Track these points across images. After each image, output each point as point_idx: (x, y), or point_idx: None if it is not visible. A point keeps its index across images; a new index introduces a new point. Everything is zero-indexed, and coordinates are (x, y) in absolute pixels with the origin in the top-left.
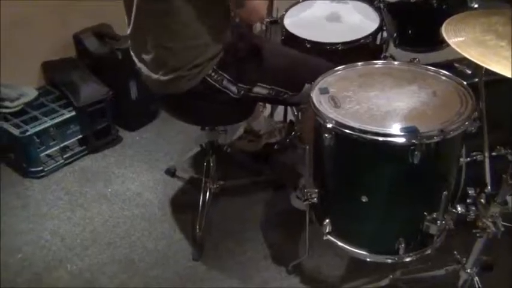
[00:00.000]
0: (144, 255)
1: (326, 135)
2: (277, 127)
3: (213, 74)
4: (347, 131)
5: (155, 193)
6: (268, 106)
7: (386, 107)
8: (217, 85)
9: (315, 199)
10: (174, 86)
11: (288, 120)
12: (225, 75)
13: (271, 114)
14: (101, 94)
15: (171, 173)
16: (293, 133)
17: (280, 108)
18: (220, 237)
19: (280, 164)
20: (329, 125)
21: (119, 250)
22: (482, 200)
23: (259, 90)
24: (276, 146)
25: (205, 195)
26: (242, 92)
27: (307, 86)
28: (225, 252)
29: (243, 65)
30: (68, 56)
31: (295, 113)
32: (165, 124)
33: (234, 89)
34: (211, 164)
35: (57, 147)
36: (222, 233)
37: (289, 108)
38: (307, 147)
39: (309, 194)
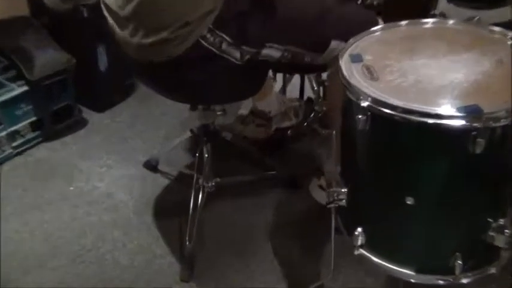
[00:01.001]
0: (117, 273)
1: (359, 116)
2: (292, 107)
3: (208, 35)
4: (387, 110)
5: (131, 193)
6: (279, 79)
7: (439, 79)
8: (214, 49)
9: (343, 201)
10: (158, 52)
11: (305, 97)
12: (224, 36)
13: (283, 90)
14: (61, 63)
15: (151, 166)
16: (313, 114)
17: (295, 82)
18: (217, 252)
19: (296, 156)
20: (363, 103)
21: (85, 267)
22: None
23: (270, 52)
24: (289, 132)
25: (197, 197)
26: (247, 56)
27: (334, 43)
28: (223, 271)
29: (246, 21)
30: (19, 14)
31: (316, 87)
32: (144, 103)
33: (236, 53)
34: (206, 156)
35: (4, 132)
36: (219, 245)
37: (307, 81)
38: (333, 132)
39: (335, 194)
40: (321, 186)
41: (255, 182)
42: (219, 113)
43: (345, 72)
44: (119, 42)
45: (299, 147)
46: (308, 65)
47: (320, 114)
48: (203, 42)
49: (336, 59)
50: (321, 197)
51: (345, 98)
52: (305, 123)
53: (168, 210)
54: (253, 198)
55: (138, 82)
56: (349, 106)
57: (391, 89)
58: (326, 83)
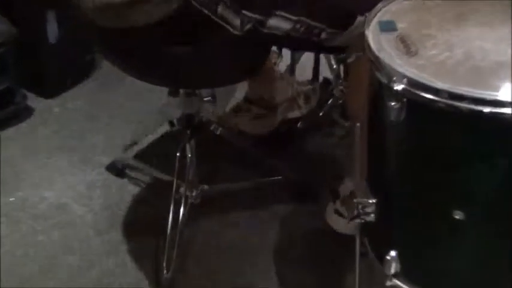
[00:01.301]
0: None
1: (391, 103)
2: (303, 91)
3: None
4: (428, 95)
5: (89, 205)
6: (287, 55)
7: (496, 54)
8: (207, 12)
9: (371, 215)
10: (133, 14)
11: (321, 78)
12: None
13: (291, 69)
14: None
15: (117, 170)
16: (330, 101)
17: (307, 58)
18: (204, 282)
19: (308, 156)
20: (397, 86)
21: None
22: None
23: (278, 23)
24: (299, 125)
25: (178, 210)
26: (248, 26)
27: (360, 19)
28: None
29: None
30: None
31: (335, 65)
32: (108, 86)
33: (235, 20)
34: (189, 156)
35: None
36: (207, 274)
37: (323, 57)
38: (357, 125)
39: (360, 206)
40: (338, 212)
41: (253, 190)
42: (206, 99)
43: (372, 45)
44: (77, 4)
45: (312, 144)
46: (322, 43)
47: (340, 101)
48: (193, 1)
49: (360, 37)
50: (340, 224)
51: (373, 79)
52: (320, 113)
53: (140, 227)
54: (251, 212)
55: (101, 58)
56: (379, 90)
57: (433, 67)
58: (348, 60)
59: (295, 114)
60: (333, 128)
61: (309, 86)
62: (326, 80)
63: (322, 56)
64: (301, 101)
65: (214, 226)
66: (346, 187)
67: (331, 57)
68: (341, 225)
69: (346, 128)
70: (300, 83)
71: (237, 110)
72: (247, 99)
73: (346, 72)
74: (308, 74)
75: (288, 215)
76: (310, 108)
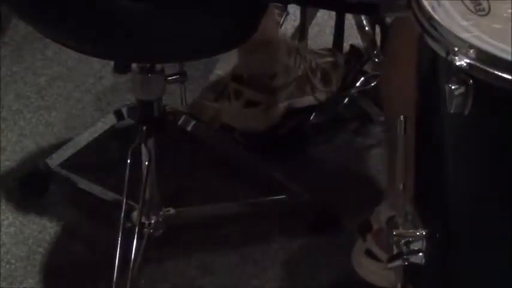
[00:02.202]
0: None
1: (452, 86)
2: (319, 66)
3: None
4: (510, 76)
5: None
6: (294, 13)
7: None
8: None
9: (419, 255)
10: None
11: (346, 47)
12: None
13: (302, 34)
14: None
15: (34, 185)
16: (361, 81)
17: (324, 18)
18: None
19: (325, 165)
20: (460, 61)
21: None
22: None
23: None
24: (313, 118)
25: (129, 247)
26: None
27: None
28: None
29: None
30: None
31: (367, 28)
32: (19, 57)
33: None
34: (146, 163)
35: None
36: None
37: (349, 17)
38: (401, 119)
39: (403, 241)
40: (370, 253)
41: (243, 217)
42: (172, 78)
43: (423, 0)
44: None
45: (331, 147)
46: None
47: (374, 82)
48: None
49: None
50: (374, 273)
51: (423, 50)
52: (344, 101)
53: (70, 275)
54: (240, 251)
55: (9, 14)
56: (432, 67)
57: None
58: (388, 20)
59: (307, 101)
60: (363, 123)
61: (329, 59)
62: (354, 50)
63: (351, 18)
64: (316, 81)
65: (184, 271)
66: (381, 214)
67: (362, 16)
68: (374, 272)
69: (382, 124)
70: (316, 54)
71: (218, 92)
72: (235, 78)
73: (384, 38)
74: (326, 41)
75: (295, 255)
76: (330, 92)
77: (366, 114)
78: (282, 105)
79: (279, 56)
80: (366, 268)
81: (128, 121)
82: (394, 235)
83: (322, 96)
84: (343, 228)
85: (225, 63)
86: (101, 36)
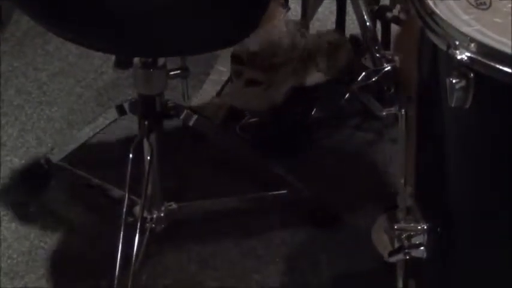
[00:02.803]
0: None
1: (453, 80)
2: (325, 43)
3: None
4: (510, 70)
5: None
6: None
7: None
8: None
9: (421, 249)
10: None
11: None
12: None
13: (305, 17)
14: None
15: (36, 180)
16: (361, 76)
17: (326, 7)
18: None
19: (328, 160)
20: (461, 54)
21: None
22: None
23: None
24: (314, 113)
25: (132, 241)
26: None
27: None
28: None
29: None
30: None
31: (369, 23)
32: (21, 51)
33: None
34: (147, 158)
35: None
36: None
37: (350, 9)
38: (402, 113)
39: (404, 235)
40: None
41: (245, 212)
42: (174, 73)
43: None
44: None
45: (333, 143)
46: None
47: (376, 77)
48: None
49: None
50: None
51: (424, 44)
52: (345, 95)
53: (73, 269)
54: (242, 245)
55: (11, 8)
56: (433, 61)
57: None
58: (389, 14)
59: (312, 79)
60: (364, 118)
61: (335, 36)
62: (354, 39)
63: (349, 8)
64: (321, 59)
65: (186, 266)
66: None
67: (363, 8)
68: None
69: (383, 119)
70: (320, 33)
71: (220, 88)
72: (234, 58)
73: (385, 32)
74: (328, 21)
75: (296, 250)
76: (337, 70)
77: (367, 110)
78: (285, 84)
79: (279, 33)
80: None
81: (129, 116)
82: (396, 229)
83: (328, 73)
84: (343, 224)
85: (227, 59)
86: (104, 30)
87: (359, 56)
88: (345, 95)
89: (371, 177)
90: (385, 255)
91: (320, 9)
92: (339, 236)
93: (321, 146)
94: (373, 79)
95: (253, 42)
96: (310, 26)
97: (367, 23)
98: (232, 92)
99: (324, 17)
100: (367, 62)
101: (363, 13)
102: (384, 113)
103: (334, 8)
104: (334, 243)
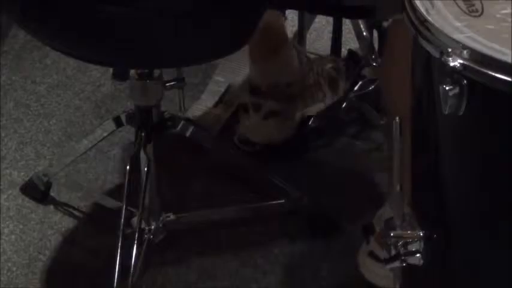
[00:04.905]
0: None
1: (446, 87)
2: (327, 72)
3: None
4: (502, 76)
5: None
6: (292, 18)
7: None
8: None
9: (417, 256)
10: None
11: (344, 52)
12: None
13: (300, 38)
14: None
15: (36, 192)
16: (358, 86)
17: (322, 23)
18: None
19: (326, 169)
20: (454, 62)
21: None
22: None
23: None
24: (312, 123)
25: (129, 252)
26: None
27: None
28: None
29: None
30: None
31: (365, 33)
32: (21, 67)
33: None
34: (145, 170)
35: None
36: None
37: (347, 22)
38: (396, 121)
39: (400, 242)
40: (373, 255)
41: (243, 222)
42: (169, 84)
43: (417, 2)
44: None
45: (330, 151)
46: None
47: (373, 86)
48: None
49: None
50: (376, 274)
51: (417, 51)
52: (342, 105)
53: (71, 280)
54: (241, 256)
55: (10, 23)
56: (426, 68)
57: (507, 32)
58: (385, 24)
59: (318, 108)
60: (362, 127)
61: (331, 65)
62: (352, 54)
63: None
64: (326, 87)
65: (184, 276)
66: (383, 217)
67: (360, 20)
68: (377, 273)
69: (382, 127)
70: (321, 60)
71: (234, 106)
72: (253, 90)
73: (382, 42)
74: (324, 47)
75: (295, 259)
76: (337, 97)
77: (365, 119)
78: (298, 115)
79: (292, 62)
80: (369, 269)
81: (126, 127)
82: (392, 236)
83: (329, 101)
84: (343, 232)
85: (224, 70)
86: (100, 44)
87: (359, 69)
88: (342, 104)
89: (370, 186)
90: (376, 281)
91: (317, 19)
92: (339, 244)
93: (319, 154)
94: (370, 88)
95: (270, 72)
96: (308, 35)
97: (364, 33)
98: (251, 125)
99: (321, 27)
100: (367, 72)
101: (359, 23)
102: (382, 122)
103: (330, 17)
104: (333, 252)
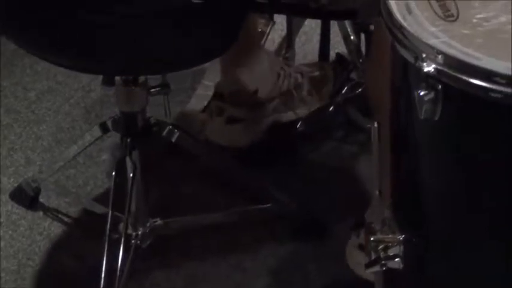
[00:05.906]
0: None
1: (421, 92)
2: (308, 78)
3: None
4: (477, 81)
5: None
6: (280, 22)
7: None
8: None
9: (397, 260)
10: None
11: (332, 55)
12: None
13: (288, 44)
14: None
15: (26, 198)
16: (345, 89)
17: (311, 27)
18: None
19: (313, 172)
20: (428, 67)
21: None
22: None
23: None
24: (300, 127)
25: (116, 258)
26: None
27: None
28: None
29: None
30: None
31: (352, 36)
32: (11, 74)
33: None
34: (131, 175)
35: None
36: None
37: (334, 25)
38: (374, 125)
39: (380, 246)
40: (362, 247)
41: (231, 226)
42: (154, 90)
43: (391, 5)
44: None
45: (318, 155)
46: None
47: (360, 89)
48: None
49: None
50: (362, 266)
51: (395, 56)
52: (330, 108)
53: (62, 285)
54: (229, 260)
55: None
56: (403, 73)
57: (483, 37)
58: (372, 26)
59: (293, 115)
60: (349, 130)
61: (317, 72)
62: (340, 58)
63: (333, 23)
64: (304, 93)
65: (173, 282)
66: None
67: (346, 23)
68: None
69: (368, 131)
70: (304, 67)
71: (205, 104)
72: (216, 95)
73: (368, 45)
74: (313, 50)
75: (284, 263)
76: (319, 105)
77: (352, 122)
78: (266, 121)
79: (260, 70)
80: (356, 260)
81: (112, 133)
82: (372, 241)
83: (310, 108)
84: (331, 235)
85: (213, 74)
86: (83, 52)
87: (347, 73)
88: (329, 108)
89: (357, 189)
90: (359, 272)
91: (306, 23)
92: (327, 247)
93: (307, 158)
94: (358, 91)
95: (234, 78)
96: (297, 39)
97: (351, 37)
98: (212, 129)
99: (310, 30)
100: (355, 75)
101: (346, 26)
102: (369, 125)
103: (319, 21)
104: (322, 255)
